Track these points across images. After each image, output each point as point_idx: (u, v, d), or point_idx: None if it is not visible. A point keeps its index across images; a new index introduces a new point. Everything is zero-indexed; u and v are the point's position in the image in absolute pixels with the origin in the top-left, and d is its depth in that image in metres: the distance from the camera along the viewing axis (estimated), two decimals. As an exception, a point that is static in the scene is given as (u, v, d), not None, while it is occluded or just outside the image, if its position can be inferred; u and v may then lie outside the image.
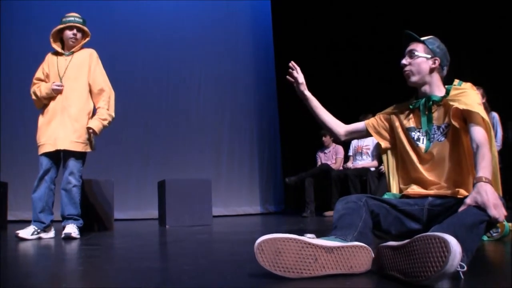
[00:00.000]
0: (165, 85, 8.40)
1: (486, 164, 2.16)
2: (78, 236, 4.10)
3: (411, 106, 2.61)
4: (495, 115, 5.90)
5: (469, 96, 2.40)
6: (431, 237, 1.61)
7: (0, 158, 6.88)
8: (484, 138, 2.26)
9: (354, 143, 7.60)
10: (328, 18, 8.94)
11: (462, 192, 2.35)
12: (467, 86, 2.50)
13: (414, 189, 2.51)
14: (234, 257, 2.70)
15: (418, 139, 2.55)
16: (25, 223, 6.49)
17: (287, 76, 2.81)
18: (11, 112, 7.28)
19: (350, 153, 7.70)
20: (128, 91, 7.65)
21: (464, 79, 2.56)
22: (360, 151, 7.48)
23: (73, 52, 4.37)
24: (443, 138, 2.46)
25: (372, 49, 8.08)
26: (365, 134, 2.86)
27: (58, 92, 4.23)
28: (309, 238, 1.83)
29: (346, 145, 7.74)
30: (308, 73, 10.28)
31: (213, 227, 5.33)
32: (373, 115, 2.84)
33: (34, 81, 4.36)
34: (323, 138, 8.04)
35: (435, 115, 2.52)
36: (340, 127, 2.83)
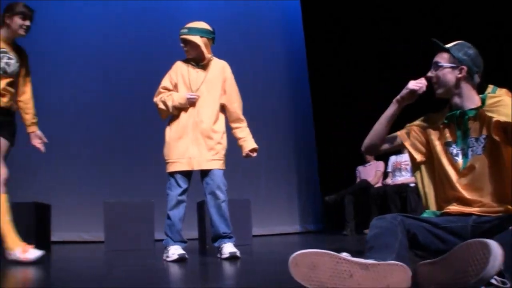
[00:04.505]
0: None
1: None
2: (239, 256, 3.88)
3: (446, 121, 2.47)
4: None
5: (508, 106, 2.25)
6: (471, 243, 1.59)
7: (43, 180, 7.04)
8: None
9: (393, 159, 7.52)
10: (362, 15, 8.72)
11: (511, 208, 2.23)
12: (502, 93, 2.36)
13: (455, 206, 2.38)
14: (276, 276, 2.70)
15: (457, 155, 2.41)
16: (68, 244, 6.62)
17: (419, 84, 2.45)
18: (53, 134, 7.42)
19: (389, 169, 7.61)
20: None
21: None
22: (399, 167, 7.40)
23: (203, 65, 4.14)
24: (481, 152, 2.33)
25: (415, 46, 7.51)
26: (399, 146, 2.67)
27: (192, 102, 4.01)
28: (345, 256, 1.82)
29: (385, 161, 7.66)
30: (343, 75, 9.89)
31: (253, 247, 5.34)
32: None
33: (161, 89, 4.13)
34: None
35: (471, 127, 2.38)
36: (384, 135, 2.61)
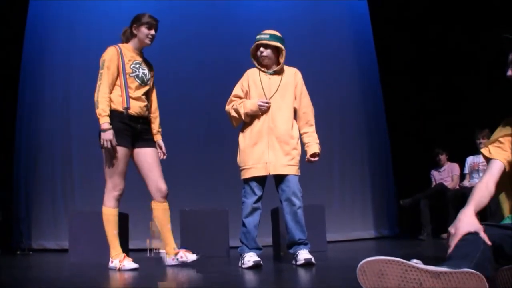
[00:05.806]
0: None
1: None
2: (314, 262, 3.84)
3: None
4: None
5: None
6: None
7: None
8: None
9: (470, 160, 7.28)
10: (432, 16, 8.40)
11: None
12: None
13: None
14: (352, 283, 2.69)
15: None
16: (144, 251, 6.80)
17: None
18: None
19: (466, 171, 7.38)
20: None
21: None
22: (477, 168, 7.15)
23: (275, 71, 4.16)
24: None
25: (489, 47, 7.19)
26: (502, 168, 2.36)
27: (263, 110, 4.01)
28: (415, 263, 1.76)
29: (461, 162, 7.45)
30: (416, 78, 9.42)
31: (328, 253, 5.31)
32: (489, 130, 2.57)
33: (232, 98, 4.19)
34: (439, 157, 7.77)
35: None
36: (492, 191, 2.31)
